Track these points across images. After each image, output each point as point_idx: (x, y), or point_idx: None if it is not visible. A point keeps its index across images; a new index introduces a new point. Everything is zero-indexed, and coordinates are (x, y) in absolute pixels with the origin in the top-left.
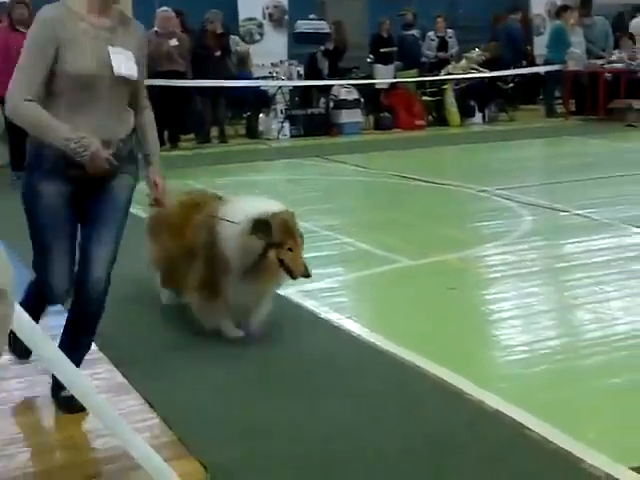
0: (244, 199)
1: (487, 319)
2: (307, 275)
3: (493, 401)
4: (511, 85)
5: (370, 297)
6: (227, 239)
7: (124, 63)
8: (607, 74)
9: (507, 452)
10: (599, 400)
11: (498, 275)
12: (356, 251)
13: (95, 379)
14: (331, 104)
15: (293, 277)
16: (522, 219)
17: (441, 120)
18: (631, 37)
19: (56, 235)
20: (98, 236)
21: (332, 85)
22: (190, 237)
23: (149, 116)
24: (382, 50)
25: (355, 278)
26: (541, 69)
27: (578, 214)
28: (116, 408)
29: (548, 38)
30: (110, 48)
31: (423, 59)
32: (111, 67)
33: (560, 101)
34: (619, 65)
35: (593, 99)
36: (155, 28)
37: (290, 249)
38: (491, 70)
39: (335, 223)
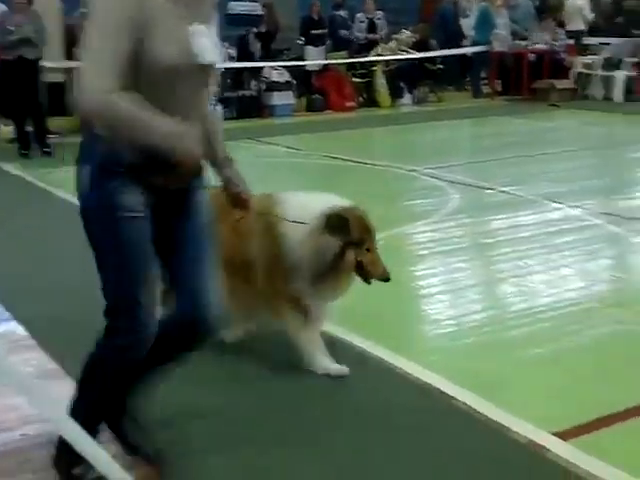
0: (298, 194)
1: (417, 294)
2: (387, 279)
3: (422, 374)
4: (439, 66)
5: None
6: (295, 240)
7: (208, 46)
8: (531, 55)
9: (436, 423)
10: (523, 370)
11: (427, 252)
12: None
13: (27, 365)
14: (263, 86)
15: (368, 281)
16: (450, 197)
17: (371, 101)
18: (555, 19)
19: (148, 256)
20: (201, 255)
21: (264, 67)
22: (238, 245)
23: (215, 109)
24: (313, 32)
25: None
26: (468, 50)
27: (503, 191)
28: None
29: (475, 20)
30: (190, 28)
31: (344, 33)
32: (194, 53)
33: (487, 82)
34: (542, 46)
35: (518, 79)
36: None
37: (368, 249)
38: (420, 52)
39: None
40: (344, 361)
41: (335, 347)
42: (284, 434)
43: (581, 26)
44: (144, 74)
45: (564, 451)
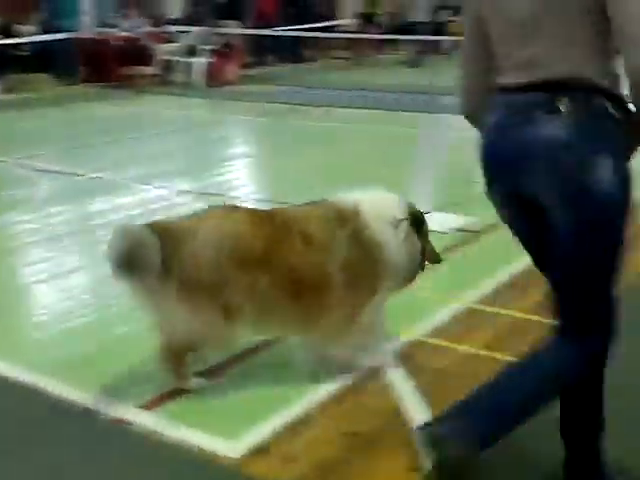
0: (356, 195)
1: (12, 287)
2: (441, 261)
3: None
4: (28, 53)
5: None
6: (390, 244)
7: None
8: (117, 42)
9: (21, 414)
10: (109, 350)
11: (18, 243)
12: None
13: None
14: None
15: (424, 268)
16: (40, 186)
17: None
18: (139, 6)
19: None
20: None
21: None
22: (307, 261)
23: None
24: None
25: None
26: (55, 37)
27: (94, 177)
28: None
29: (60, 5)
30: None
31: None
32: None
33: (76, 68)
34: (127, 33)
35: (106, 66)
36: None
37: (428, 240)
38: (5, 37)
39: None
40: None
41: None
42: None
43: (179, 14)
44: None
45: (147, 421)
